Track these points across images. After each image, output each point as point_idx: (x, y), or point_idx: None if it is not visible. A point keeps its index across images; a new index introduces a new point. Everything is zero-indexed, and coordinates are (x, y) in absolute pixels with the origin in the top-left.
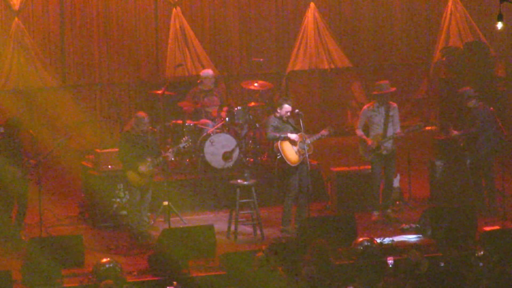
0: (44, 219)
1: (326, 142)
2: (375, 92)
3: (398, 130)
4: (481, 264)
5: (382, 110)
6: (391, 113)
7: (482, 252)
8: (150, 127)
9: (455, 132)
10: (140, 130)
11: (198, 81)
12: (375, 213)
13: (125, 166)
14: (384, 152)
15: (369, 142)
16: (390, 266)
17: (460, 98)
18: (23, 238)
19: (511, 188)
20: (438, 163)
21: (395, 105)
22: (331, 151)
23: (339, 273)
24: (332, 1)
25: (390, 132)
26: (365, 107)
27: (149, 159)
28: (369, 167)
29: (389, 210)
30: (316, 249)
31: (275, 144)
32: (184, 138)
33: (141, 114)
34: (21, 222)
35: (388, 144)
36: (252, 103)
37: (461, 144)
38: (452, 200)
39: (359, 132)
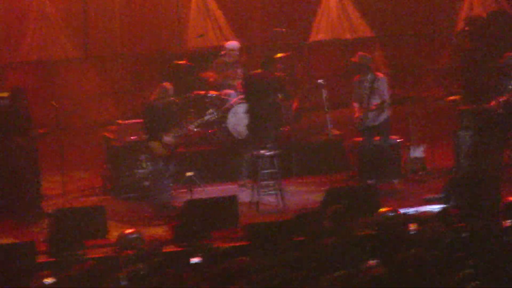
0: (67, 191)
1: (348, 113)
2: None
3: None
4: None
5: (367, 81)
6: (375, 85)
7: (509, 223)
8: (174, 99)
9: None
10: (165, 101)
11: (223, 52)
12: (396, 181)
13: (149, 136)
14: (371, 123)
15: (356, 114)
16: (412, 233)
17: (503, 63)
18: (46, 209)
19: None
20: (461, 133)
21: (381, 76)
22: (353, 122)
23: (361, 244)
24: None
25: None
26: (356, 78)
27: (173, 130)
28: (394, 137)
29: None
30: (334, 215)
31: None
32: (209, 111)
33: (167, 85)
34: (38, 192)
35: (372, 115)
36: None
37: (500, 111)
38: (476, 170)
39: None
